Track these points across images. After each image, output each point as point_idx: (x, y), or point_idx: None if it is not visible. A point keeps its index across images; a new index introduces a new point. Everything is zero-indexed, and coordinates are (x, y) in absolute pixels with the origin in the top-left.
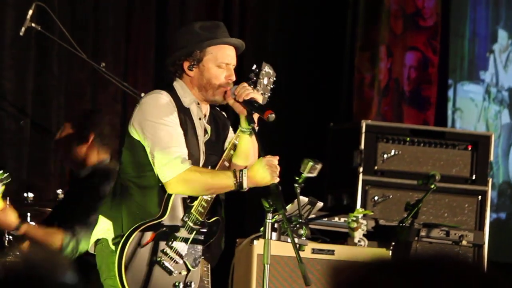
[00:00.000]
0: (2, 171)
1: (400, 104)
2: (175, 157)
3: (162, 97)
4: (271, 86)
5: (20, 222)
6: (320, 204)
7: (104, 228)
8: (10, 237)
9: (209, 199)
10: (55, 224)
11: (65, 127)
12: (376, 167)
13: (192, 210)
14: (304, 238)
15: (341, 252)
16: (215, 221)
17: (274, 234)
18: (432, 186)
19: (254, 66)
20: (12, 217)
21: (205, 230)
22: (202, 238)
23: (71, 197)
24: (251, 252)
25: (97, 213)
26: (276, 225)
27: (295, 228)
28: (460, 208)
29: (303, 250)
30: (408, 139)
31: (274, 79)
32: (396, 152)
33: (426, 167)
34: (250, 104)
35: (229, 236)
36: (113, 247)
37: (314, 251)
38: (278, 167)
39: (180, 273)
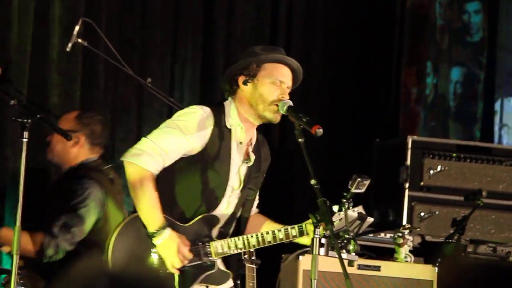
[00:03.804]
0: None
1: (446, 120)
2: (150, 154)
3: (200, 112)
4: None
5: None
6: (370, 220)
7: None
8: None
9: (234, 248)
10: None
11: (60, 125)
12: (422, 183)
13: (212, 242)
14: (354, 254)
15: (387, 268)
16: (224, 272)
17: (322, 250)
18: (479, 202)
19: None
20: None
21: (211, 270)
22: (201, 271)
23: (50, 198)
24: (297, 268)
25: (74, 213)
26: (323, 241)
27: (343, 244)
28: (507, 224)
29: (352, 266)
30: (454, 155)
31: (366, 225)
32: (442, 168)
33: (472, 183)
34: (298, 119)
35: (274, 251)
36: None
37: (360, 267)
38: (181, 261)
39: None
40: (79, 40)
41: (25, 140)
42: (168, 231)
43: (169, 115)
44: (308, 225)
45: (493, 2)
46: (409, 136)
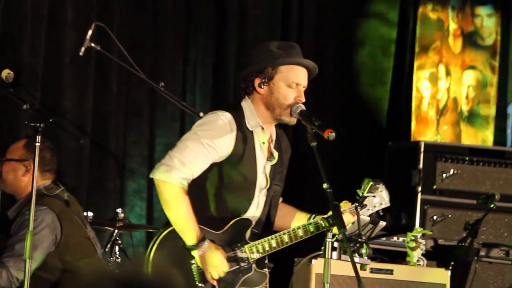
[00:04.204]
0: None
1: (458, 123)
2: (178, 168)
3: (222, 118)
4: (379, 209)
5: None
6: (382, 224)
7: None
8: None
9: (269, 249)
10: None
11: (9, 154)
12: (434, 187)
13: (246, 245)
14: (366, 257)
15: (400, 271)
16: (261, 273)
17: (334, 254)
18: (492, 206)
19: (378, 180)
20: None
21: (249, 273)
22: (239, 276)
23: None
24: (309, 272)
25: (39, 235)
26: (336, 244)
27: (356, 247)
28: None
29: (365, 269)
30: (467, 158)
31: (386, 206)
32: (455, 172)
33: (485, 186)
34: (310, 123)
35: (287, 255)
36: None
37: (373, 270)
38: (220, 273)
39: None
40: (92, 44)
41: (37, 144)
42: (207, 243)
43: (182, 118)
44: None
45: (505, 5)
46: (422, 140)
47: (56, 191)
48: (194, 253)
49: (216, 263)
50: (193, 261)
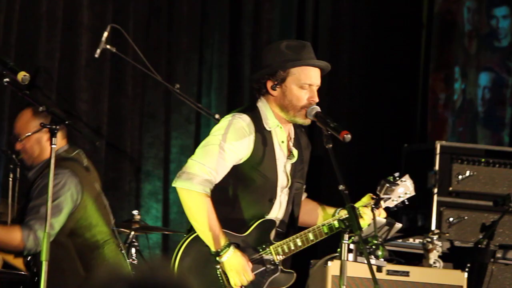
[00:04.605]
0: None
1: (474, 125)
2: (199, 175)
3: (240, 121)
4: (404, 199)
5: None
6: (398, 226)
7: None
8: None
9: (294, 248)
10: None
11: (23, 130)
12: (451, 188)
13: (271, 246)
14: (382, 259)
15: (416, 273)
16: (288, 273)
17: (350, 255)
18: (508, 207)
19: (397, 174)
20: None
21: (275, 273)
22: (266, 277)
23: (26, 193)
24: (325, 274)
25: (63, 197)
26: (352, 246)
27: (372, 249)
28: None
29: (381, 271)
30: (483, 160)
31: (411, 195)
32: (471, 173)
33: (501, 188)
34: (326, 124)
35: (302, 257)
36: None
37: (389, 272)
38: (244, 279)
39: None
40: (108, 46)
41: (54, 146)
42: (232, 250)
43: (197, 120)
44: (361, 208)
45: None
46: (438, 142)
47: (73, 153)
48: (220, 259)
49: (241, 270)
50: (218, 266)
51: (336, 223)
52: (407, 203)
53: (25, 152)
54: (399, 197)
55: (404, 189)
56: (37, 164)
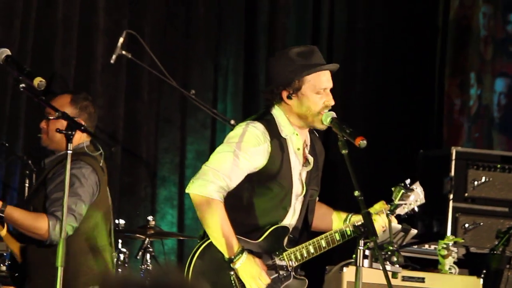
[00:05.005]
0: None
1: (490, 131)
2: (213, 181)
3: (254, 129)
4: (415, 207)
5: (4, 204)
6: (414, 232)
7: None
8: None
9: (307, 255)
10: (30, 208)
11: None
12: (466, 194)
13: (285, 253)
14: (398, 266)
15: (432, 279)
16: (300, 280)
17: (366, 261)
18: None
19: (408, 181)
20: None
21: (288, 280)
22: (279, 284)
23: (46, 181)
24: (341, 280)
25: (77, 197)
26: (367, 252)
27: (387, 255)
28: None
29: (397, 278)
30: (499, 166)
31: (421, 202)
32: (487, 179)
33: None
34: (341, 130)
35: (318, 263)
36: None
37: (404, 278)
38: (260, 284)
39: None
40: (123, 52)
41: (69, 152)
42: (245, 255)
43: (213, 126)
44: (374, 215)
45: None
46: (453, 147)
47: (94, 151)
48: (233, 265)
49: (256, 275)
50: (232, 272)
51: (348, 230)
52: (417, 210)
53: (46, 133)
54: (410, 204)
55: (415, 196)
56: (56, 152)
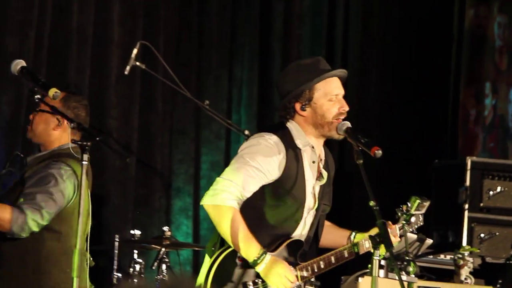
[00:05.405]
0: None
1: (505, 141)
2: (226, 190)
3: (268, 141)
4: (412, 228)
5: None
6: (429, 241)
7: None
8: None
9: (317, 270)
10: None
11: (43, 105)
12: (482, 204)
13: (297, 267)
14: (413, 276)
15: None
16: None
17: (382, 271)
18: None
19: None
20: None
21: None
22: None
23: (24, 180)
24: None
25: (50, 196)
26: (383, 262)
27: (403, 265)
28: None
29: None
30: None
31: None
32: (502, 189)
33: None
34: (357, 140)
35: (333, 273)
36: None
37: None
38: (288, 282)
39: None
40: (137, 63)
41: (84, 163)
42: (269, 256)
43: (227, 136)
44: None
45: None
46: (469, 157)
47: (78, 152)
48: (258, 267)
49: (282, 272)
50: (257, 280)
51: (355, 248)
52: (415, 232)
53: (31, 125)
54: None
55: (415, 219)
56: (41, 149)
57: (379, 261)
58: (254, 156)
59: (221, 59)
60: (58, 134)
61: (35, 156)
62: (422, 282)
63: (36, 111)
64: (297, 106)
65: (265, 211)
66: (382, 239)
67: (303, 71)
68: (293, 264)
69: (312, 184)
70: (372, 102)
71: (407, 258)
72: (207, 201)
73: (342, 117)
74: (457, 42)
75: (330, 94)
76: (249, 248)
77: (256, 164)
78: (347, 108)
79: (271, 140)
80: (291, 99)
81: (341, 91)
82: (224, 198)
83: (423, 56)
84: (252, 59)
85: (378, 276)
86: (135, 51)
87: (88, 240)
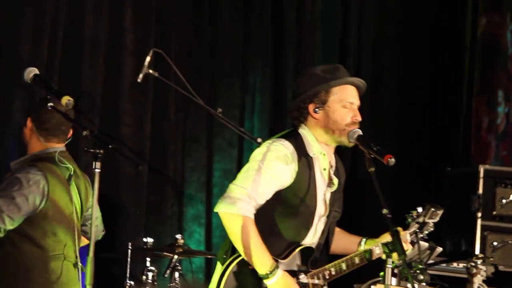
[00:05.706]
0: None
1: None
2: (241, 199)
3: (282, 147)
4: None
5: None
6: (439, 249)
7: None
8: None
9: (328, 277)
10: None
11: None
12: (494, 212)
13: (308, 274)
14: (425, 284)
15: None
16: None
17: (394, 280)
18: None
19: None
20: None
21: None
22: None
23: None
24: None
25: (12, 200)
26: (395, 270)
27: (415, 274)
28: None
29: None
30: None
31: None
32: None
33: None
34: (369, 148)
35: (346, 281)
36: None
37: None
38: None
39: None
40: (150, 71)
41: (97, 170)
42: (280, 272)
43: (240, 144)
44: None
45: None
46: (481, 165)
47: (63, 157)
48: (267, 281)
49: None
50: None
51: (367, 254)
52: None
53: (21, 129)
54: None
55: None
56: (24, 155)
57: (392, 269)
58: (267, 162)
59: (233, 66)
60: (29, 137)
61: (17, 161)
62: None
63: (28, 116)
64: (311, 107)
65: (276, 218)
66: (395, 247)
67: (322, 74)
68: (305, 271)
69: (323, 191)
70: (385, 109)
71: (420, 266)
72: (222, 209)
73: (354, 127)
74: (470, 50)
75: (345, 101)
76: (261, 260)
77: (270, 170)
78: (359, 119)
79: (284, 146)
80: (306, 99)
81: (357, 101)
82: (240, 207)
83: (436, 63)
84: (265, 66)
85: (391, 284)
86: (148, 58)
87: (77, 245)
